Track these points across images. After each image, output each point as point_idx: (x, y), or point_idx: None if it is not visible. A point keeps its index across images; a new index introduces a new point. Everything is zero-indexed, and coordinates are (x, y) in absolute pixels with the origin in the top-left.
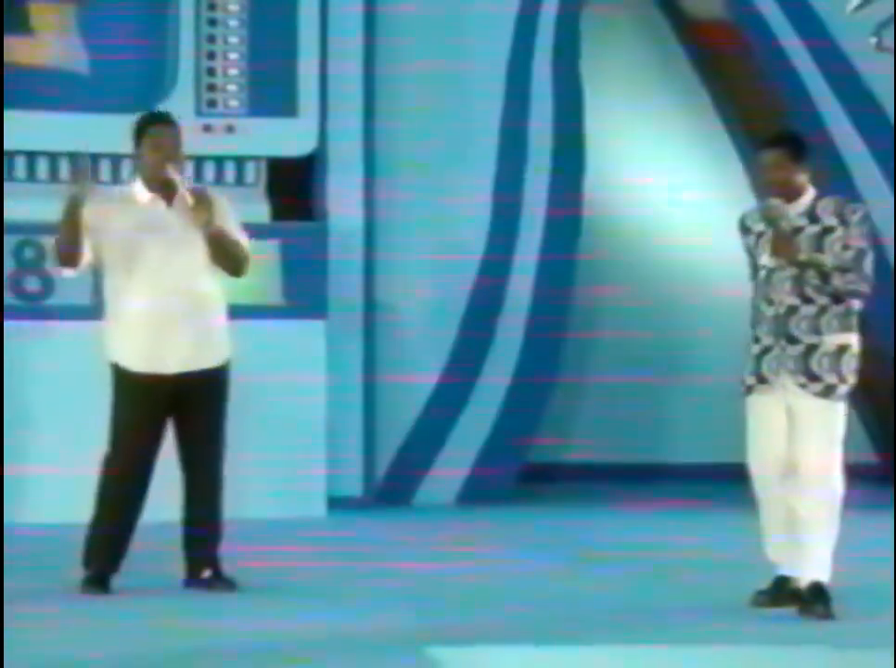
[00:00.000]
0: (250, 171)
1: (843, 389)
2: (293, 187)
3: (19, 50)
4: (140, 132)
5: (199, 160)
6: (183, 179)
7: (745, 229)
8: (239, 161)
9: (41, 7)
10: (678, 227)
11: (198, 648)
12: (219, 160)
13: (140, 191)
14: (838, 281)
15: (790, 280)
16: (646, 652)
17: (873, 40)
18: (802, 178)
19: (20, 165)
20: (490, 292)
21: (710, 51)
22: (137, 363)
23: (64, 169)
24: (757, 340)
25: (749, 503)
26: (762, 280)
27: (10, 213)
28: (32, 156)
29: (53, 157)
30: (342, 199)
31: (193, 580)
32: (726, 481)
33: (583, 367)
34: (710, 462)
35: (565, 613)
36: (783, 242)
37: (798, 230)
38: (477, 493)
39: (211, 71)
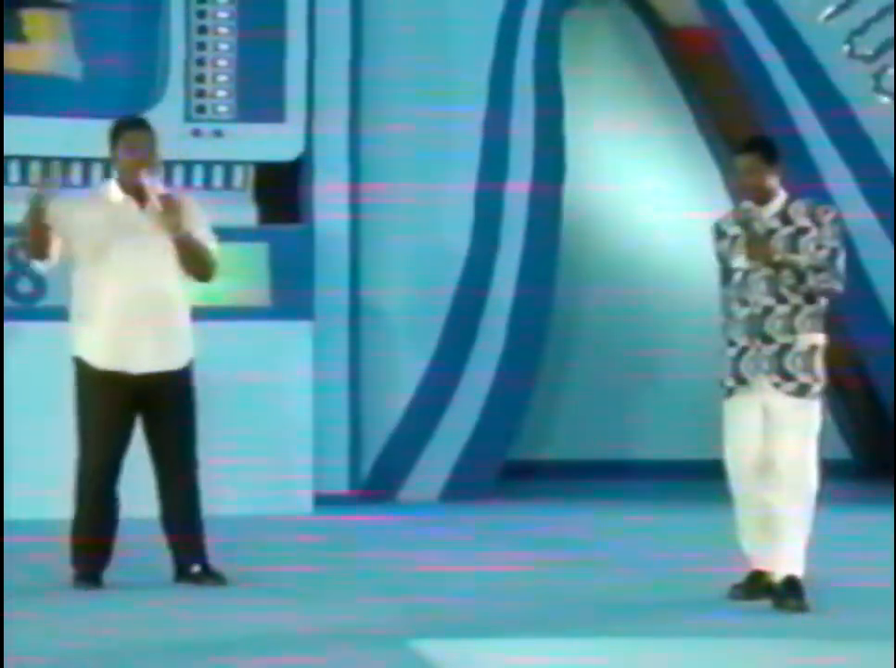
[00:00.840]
0: (238, 175)
1: (817, 387)
2: (280, 191)
3: (13, 57)
4: (115, 135)
5: (188, 165)
6: (154, 185)
7: (719, 234)
8: (228, 166)
9: (34, 16)
10: (656, 231)
11: (187, 642)
12: (208, 165)
13: (114, 191)
14: (812, 280)
15: (765, 281)
16: (624, 644)
17: (846, 47)
18: (774, 181)
19: (14, 169)
20: (472, 294)
21: (688, 57)
22: (101, 359)
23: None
24: (732, 343)
25: (726, 499)
26: (737, 282)
27: (4, 216)
28: (24, 160)
29: (46, 161)
30: (328, 202)
31: (182, 575)
32: (703, 478)
33: (564, 367)
34: (686, 458)
35: (547, 607)
36: (758, 244)
37: (771, 232)
38: (460, 489)
39: (200, 78)
